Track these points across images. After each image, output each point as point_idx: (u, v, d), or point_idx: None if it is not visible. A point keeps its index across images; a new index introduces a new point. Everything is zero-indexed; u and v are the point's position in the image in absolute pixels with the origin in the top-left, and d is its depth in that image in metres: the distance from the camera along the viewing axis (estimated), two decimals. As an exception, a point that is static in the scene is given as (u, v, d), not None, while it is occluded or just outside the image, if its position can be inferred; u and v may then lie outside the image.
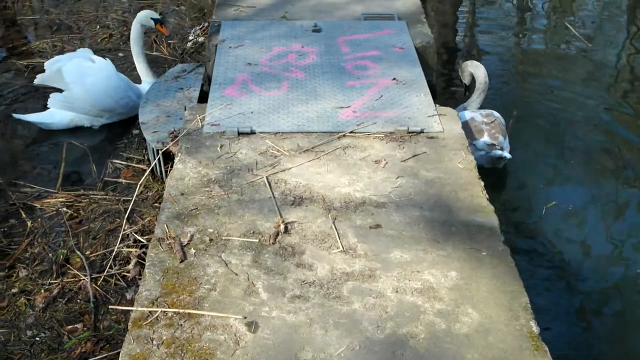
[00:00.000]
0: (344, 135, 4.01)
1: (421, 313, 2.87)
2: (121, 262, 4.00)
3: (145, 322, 2.83)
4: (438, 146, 3.95)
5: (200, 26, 6.90)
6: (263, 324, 2.82)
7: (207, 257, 3.16)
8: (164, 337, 2.76)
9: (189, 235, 3.28)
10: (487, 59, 6.48)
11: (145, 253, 3.65)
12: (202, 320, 2.84)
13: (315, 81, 4.56)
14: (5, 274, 3.96)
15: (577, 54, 6.70)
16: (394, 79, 4.58)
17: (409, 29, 5.29)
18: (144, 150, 4.96)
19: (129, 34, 5.40)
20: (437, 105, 4.33)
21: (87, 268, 3.94)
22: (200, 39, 6.64)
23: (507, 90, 6.01)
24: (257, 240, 3.25)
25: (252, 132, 4.04)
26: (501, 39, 7.05)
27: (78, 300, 3.79)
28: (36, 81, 5.21)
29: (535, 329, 2.80)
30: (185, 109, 4.45)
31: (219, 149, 3.91)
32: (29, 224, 4.32)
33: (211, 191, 3.58)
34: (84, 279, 3.88)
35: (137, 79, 5.54)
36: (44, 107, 5.24)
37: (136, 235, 4.11)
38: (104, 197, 4.55)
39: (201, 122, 4.13)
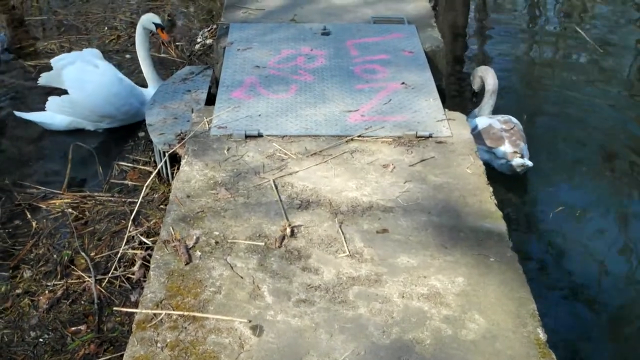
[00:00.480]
0: (351, 139, 3.99)
1: (427, 319, 2.85)
2: (126, 264, 3.99)
3: (150, 325, 2.81)
4: (447, 151, 3.92)
5: (209, 28, 6.90)
6: (268, 328, 2.79)
7: (212, 260, 3.14)
8: (168, 340, 2.74)
9: (194, 237, 3.26)
10: (497, 64, 6.45)
11: (150, 255, 3.63)
12: (206, 323, 2.81)
13: (324, 84, 4.54)
14: (9, 274, 3.96)
15: (588, 58, 6.67)
16: (403, 83, 4.55)
17: (418, 33, 5.27)
18: (151, 152, 4.95)
19: (136, 36, 5.39)
20: (446, 110, 4.31)
21: (91, 269, 3.93)
22: (209, 41, 6.63)
23: (517, 95, 5.98)
24: (263, 244, 3.23)
25: (260, 135, 4.02)
26: (512, 43, 7.02)
27: (82, 302, 3.78)
28: (40, 81, 5.21)
29: (543, 336, 2.78)
30: (192, 111, 4.44)
31: (225, 151, 3.89)
32: (34, 224, 4.31)
33: (217, 194, 3.56)
34: (88, 281, 3.87)
35: (145, 81, 5.52)
36: (47, 107, 5.25)
37: (141, 237, 4.09)
38: (110, 198, 4.54)
39: (208, 124, 4.12)
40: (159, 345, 2.72)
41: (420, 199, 3.54)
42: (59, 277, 3.92)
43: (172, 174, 4.50)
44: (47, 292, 3.83)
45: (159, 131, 4.67)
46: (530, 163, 4.60)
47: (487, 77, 5.01)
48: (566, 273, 4.11)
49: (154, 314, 2.85)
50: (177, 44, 6.70)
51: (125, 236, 4.07)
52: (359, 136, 4.01)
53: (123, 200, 4.52)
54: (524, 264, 3.15)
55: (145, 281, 3.23)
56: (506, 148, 4.63)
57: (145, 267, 3.83)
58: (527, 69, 6.54)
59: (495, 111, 5.01)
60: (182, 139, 4.29)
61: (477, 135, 4.81)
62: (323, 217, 3.40)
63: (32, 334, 3.59)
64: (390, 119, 4.17)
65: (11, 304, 3.76)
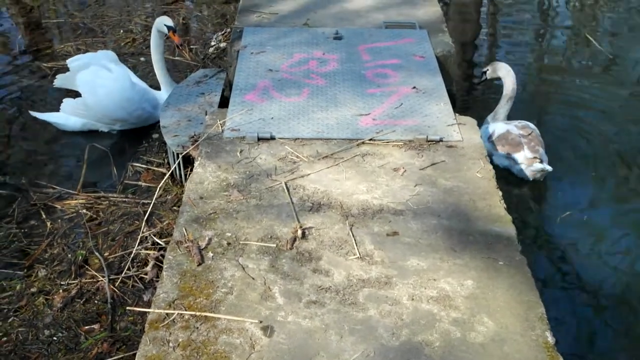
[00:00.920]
0: (363, 143, 4.02)
1: (437, 321, 2.87)
2: (139, 264, 4.03)
3: (162, 324, 2.85)
4: (457, 155, 3.94)
5: (223, 32, 6.95)
6: (279, 329, 2.83)
7: (224, 261, 3.17)
8: (180, 340, 2.77)
9: (207, 238, 3.30)
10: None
11: (163, 255, 3.68)
12: (218, 324, 2.85)
13: (336, 88, 4.58)
14: (24, 273, 4.01)
15: (598, 64, 6.67)
16: (414, 87, 4.58)
17: (430, 37, 5.30)
18: (164, 154, 5.00)
19: (152, 39, 5.44)
20: (457, 114, 4.33)
21: (105, 269, 3.97)
22: (222, 45, 6.68)
23: (527, 100, 5.98)
24: (275, 245, 3.27)
25: (272, 138, 4.06)
26: (522, 49, 7.03)
27: (96, 301, 3.82)
28: (55, 83, 5.29)
29: (551, 339, 2.79)
30: (206, 114, 4.48)
31: (238, 153, 3.93)
32: (48, 224, 4.36)
33: (230, 195, 3.60)
34: (102, 280, 3.91)
35: (159, 84, 5.56)
36: (62, 108, 5.32)
37: (154, 238, 4.14)
38: (124, 199, 4.59)
39: (221, 127, 4.16)
40: (171, 344, 2.76)
41: (430, 202, 3.57)
42: (73, 276, 3.97)
43: (186, 175, 4.55)
44: (61, 291, 3.87)
45: (172, 133, 4.71)
46: (550, 168, 4.63)
47: (507, 81, 5.00)
48: (575, 277, 4.11)
49: (167, 314, 2.89)
50: (191, 47, 6.75)
51: (139, 237, 4.11)
52: (370, 140, 4.04)
53: (137, 201, 4.57)
54: (532, 268, 3.17)
55: (158, 281, 3.27)
56: (525, 154, 4.66)
57: (158, 267, 3.88)
58: (537, 74, 6.54)
59: (507, 117, 5.02)
60: (196, 141, 4.33)
61: (495, 141, 4.84)
62: (334, 220, 3.43)
63: (46, 332, 3.64)
64: (401, 122, 4.20)
65: (26, 303, 3.81)
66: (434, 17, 5.77)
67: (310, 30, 5.42)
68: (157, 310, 2.91)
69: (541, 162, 4.63)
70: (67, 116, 5.27)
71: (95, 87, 5.12)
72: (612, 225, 4.53)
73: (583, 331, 3.79)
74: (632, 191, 4.86)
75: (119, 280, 3.92)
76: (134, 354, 2.85)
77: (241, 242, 3.28)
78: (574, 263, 4.19)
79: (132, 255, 4.04)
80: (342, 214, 3.47)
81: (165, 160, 4.95)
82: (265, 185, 3.68)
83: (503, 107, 5.05)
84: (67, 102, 5.22)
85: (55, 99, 5.80)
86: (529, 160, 4.64)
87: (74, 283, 3.92)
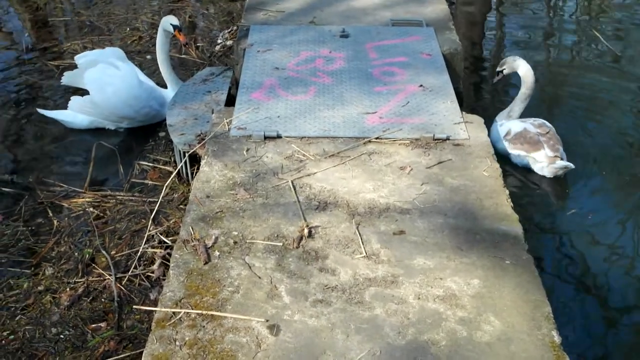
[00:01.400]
0: (369, 141, 4.02)
1: (443, 320, 2.87)
2: (146, 262, 4.03)
3: (169, 323, 2.85)
4: (464, 153, 3.94)
5: (229, 30, 6.95)
6: (285, 328, 2.83)
7: (231, 260, 3.18)
8: (187, 338, 2.78)
9: (213, 237, 3.30)
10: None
11: (169, 254, 3.68)
12: (224, 322, 2.85)
13: (343, 86, 4.58)
14: (31, 271, 4.02)
15: (606, 61, 6.64)
16: (421, 85, 4.58)
17: (436, 35, 5.29)
18: (171, 152, 5.00)
19: (158, 37, 5.44)
20: (464, 112, 4.32)
21: (112, 268, 3.98)
22: (229, 43, 6.68)
23: (537, 97, 5.96)
24: (281, 244, 3.27)
25: (279, 136, 4.06)
26: (530, 45, 7.01)
27: (102, 300, 3.83)
28: (63, 80, 5.30)
29: (557, 338, 2.79)
30: (212, 112, 4.48)
31: (245, 152, 3.93)
32: (55, 222, 4.37)
33: (236, 194, 3.60)
34: (108, 279, 3.92)
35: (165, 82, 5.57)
36: (69, 106, 5.33)
37: (161, 237, 4.14)
38: (130, 198, 4.59)
39: (228, 125, 4.16)
40: (177, 343, 2.76)
41: (437, 201, 3.57)
42: (80, 274, 3.98)
43: (192, 174, 4.55)
44: (68, 289, 3.88)
45: (179, 131, 4.71)
46: (572, 165, 4.62)
47: (527, 79, 4.96)
48: (582, 276, 4.10)
49: (173, 313, 2.90)
50: (197, 45, 6.75)
51: (145, 235, 4.12)
52: (376, 138, 4.04)
53: (143, 199, 4.57)
54: (539, 267, 3.17)
55: (164, 279, 3.28)
56: (546, 152, 4.65)
57: (165, 265, 3.88)
58: (545, 71, 6.52)
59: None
60: (202, 139, 4.33)
61: (512, 139, 4.82)
62: (340, 218, 3.43)
63: (54, 330, 3.64)
64: (408, 121, 4.19)
65: (33, 301, 3.82)
66: (441, 14, 5.76)
67: (316, 28, 5.42)
68: (163, 309, 2.92)
69: (562, 159, 4.63)
70: (75, 114, 5.28)
71: (103, 85, 5.13)
72: (621, 224, 4.51)
73: (590, 330, 3.77)
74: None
75: (125, 279, 3.93)
76: (141, 353, 2.85)
77: (247, 241, 3.28)
78: (581, 262, 4.17)
79: (138, 254, 4.04)
80: (348, 212, 3.47)
81: (172, 159, 4.95)
82: (272, 183, 3.68)
83: (519, 105, 5.01)
84: (74, 100, 5.23)
85: (62, 97, 5.83)
86: (551, 159, 4.64)
87: (80, 281, 3.93)
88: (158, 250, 4.05)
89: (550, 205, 4.67)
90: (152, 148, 5.17)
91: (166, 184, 4.39)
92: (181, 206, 4.42)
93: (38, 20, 7.48)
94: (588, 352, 3.65)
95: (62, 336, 3.61)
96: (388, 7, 5.85)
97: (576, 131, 5.43)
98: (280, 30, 5.37)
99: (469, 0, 8.07)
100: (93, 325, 3.66)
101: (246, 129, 4.11)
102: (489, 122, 4.61)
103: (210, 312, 2.89)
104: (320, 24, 5.53)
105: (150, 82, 5.49)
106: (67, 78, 5.29)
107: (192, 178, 4.34)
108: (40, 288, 3.90)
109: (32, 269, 4.04)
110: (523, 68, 5.03)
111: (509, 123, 4.96)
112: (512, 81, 5.83)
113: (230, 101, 4.89)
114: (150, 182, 4.76)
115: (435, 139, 4.04)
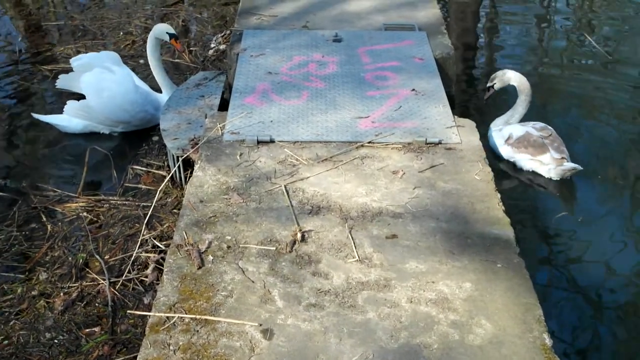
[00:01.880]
0: (362, 146, 4.04)
1: (435, 323, 2.89)
2: (139, 267, 4.04)
3: (163, 327, 2.87)
4: (456, 157, 3.96)
5: (222, 34, 6.95)
6: (278, 332, 2.85)
7: (224, 264, 3.19)
8: (181, 343, 2.79)
9: (207, 242, 3.32)
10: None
11: (163, 258, 3.70)
12: (218, 327, 2.87)
13: (335, 91, 4.60)
14: (25, 276, 4.02)
15: (598, 65, 6.67)
16: (413, 89, 4.60)
17: (429, 39, 5.31)
18: (164, 157, 5.01)
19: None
20: (456, 116, 4.35)
21: (105, 272, 3.99)
22: (222, 47, 6.69)
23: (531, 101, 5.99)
24: (274, 248, 3.28)
25: (272, 141, 4.08)
26: (523, 49, 7.03)
27: (96, 304, 3.84)
28: (57, 83, 5.32)
29: (549, 341, 2.82)
30: (206, 117, 4.49)
31: (238, 157, 3.95)
32: (49, 227, 4.38)
33: (230, 199, 3.62)
34: (102, 283, 3.93)
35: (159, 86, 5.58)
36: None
37: (155, 241, 4.15)
38: (124, 202, 4.60)
39: (221, 130, 4.18)
40: (171, 348, 2.78)
41: (429, 205, 3.59)
42: (73, 279, 3.98)
43: (186, 178, 4.56)
44: (62, 294, 3.89)
45: (172, 136, 4.72)
46: (580, 167, 4.64)
47: (522, 87, 4.94)
48: (573, 279, 4.12)
49: (167, 317, 2.91)
50: (191, 49, 6.76)
51: (139, 240, 4.13)
52: (369, 142, 4.06)
53: (137, 204, 4.58)
54: (530, 270, 3.19)
55: (158, 284, 3.29)
56: (552, 155, 4.67)
57: (159, 270, 3.89)
58: (537, 76, 6.54)
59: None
60: (196, 144, 4.34)
61: (515, 143, 4.84)
62: (333, 223, 3.45)
63: (48, 335, 3.65)
64: (401, 125, 4.21)
65: (27, 306, 3.82)
66: (433, 18, 5.79)
67: (309, 33, 5.44)
68: (157, 314, 2.93)
69: (568, 161, 4.66)
70: (70, 118, 5.29)
71: (99, 89, 5.13)
72: (612, 227, 4.53)
73: (581, 333, 3.79)
74: (634, 194, 4.85)
75: (119, 283, 3.93)
76: (135, 357, 2.87)
77: (241, 246, 3.30)
78: (572, 265, 4.19)
79: (132, 258, 4.05)
80: (341, 217, 3.49)
81: (165, 163, 4.96)
82: (265, 188, 3.70)
83: (519, 112, 5.01)
84: (70, 104, 5.23)
85: (55, 101, 5.83)
86: (557, 161, 4.66)
87: (74, 286, 3.93)
88: (152, 255, 4.05)
89: (555, 208, 4.66)
90: (145, 152, 5.18)
91: (160, 189, 4.40)
92: (175, 210, 4.43)
93: (31, 24, 7.48)
94: (579, 355, 3.67)
95: (56, 341, 3.62)
96: (381, 11, 5.88)
97: (571, 133, 5.43)
98: (273, 35, 5.39)
99: (461, 3, 8.08)
100: (87, 330, 3.67)
101: (239, 133, 4.13)
102: (481, 126, 4.63)
103: (204, 317, 2.91)
104: (313, 29, 5.55)
105: (145, 87, 5.51)
106: (62, 81, 5.30)
107: (186, 182, 4.35)
108: (34, 293, 3.90)
109: (26, 273, 4.04)
110: (515, 78, 5.04)
111: (509, 127, 4.97)
112: (505, 87, 5.85)
113: (224, 106, 4.90)
114: (143, 187, 4.77)
115: (428, 143, 4.06)
